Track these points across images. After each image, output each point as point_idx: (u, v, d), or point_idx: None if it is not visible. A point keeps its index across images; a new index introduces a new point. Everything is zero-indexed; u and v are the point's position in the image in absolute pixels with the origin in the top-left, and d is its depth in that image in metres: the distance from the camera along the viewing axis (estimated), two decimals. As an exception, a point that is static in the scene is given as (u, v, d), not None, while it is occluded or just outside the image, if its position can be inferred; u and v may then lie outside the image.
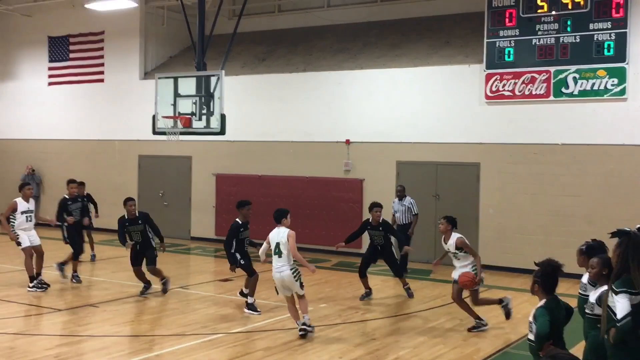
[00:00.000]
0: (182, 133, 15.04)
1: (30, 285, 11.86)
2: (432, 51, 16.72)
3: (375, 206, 11.98)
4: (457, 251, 9.80)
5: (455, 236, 9.84)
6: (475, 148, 15.44)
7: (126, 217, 12.00)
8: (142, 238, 11.88)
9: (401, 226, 14.22)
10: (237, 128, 16.88)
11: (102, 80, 20.66)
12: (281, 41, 19.59)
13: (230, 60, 16.29)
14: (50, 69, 21.64)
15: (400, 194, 14.45)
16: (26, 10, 21.04)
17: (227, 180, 18.45)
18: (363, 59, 17.36)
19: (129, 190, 20.04)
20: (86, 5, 18.69)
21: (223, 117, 14.33)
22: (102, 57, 20.59)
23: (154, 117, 15.14)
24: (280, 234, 9.42)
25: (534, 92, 14.69)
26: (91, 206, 15.08)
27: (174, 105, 14.90)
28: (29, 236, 12.06)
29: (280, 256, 9.26)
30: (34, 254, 12.06)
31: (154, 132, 15.33)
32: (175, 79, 14.97)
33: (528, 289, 5.88)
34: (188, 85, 14.84)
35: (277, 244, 9.34)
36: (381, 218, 12.03)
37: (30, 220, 12.19)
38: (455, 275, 9.89)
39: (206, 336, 9.33)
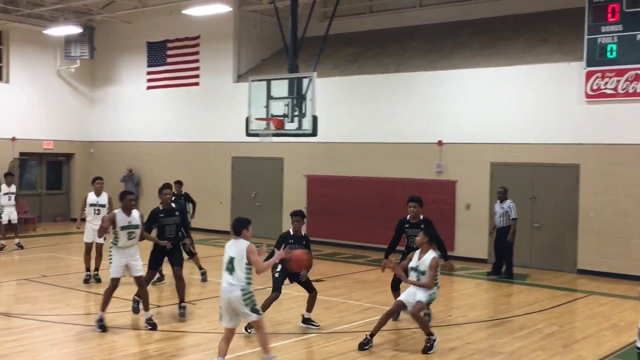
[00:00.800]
0: (274, 135, 15.22)
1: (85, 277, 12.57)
2: (527, 49, 16.24)
3: (410, 200, 10.32)
4: (425, 270, 8.78)
5: (431, 255, 8.89)
6: (575, 149, 14.88)
7: (160, 208, 10.40)
8: (175, 234, 10.37)
9: (500, 229, 13.93)
10: (329, 129, 16.92)
11: (197, 84, 21.21)
12: (372, 42, 19.53)
13: (322, 62, 16.35)
14: (148, 73, 22.41)
15: (501, 196, 14.13)
16: (127, 17, 21.87)
17: (318, 182, 18.54)
18: (456, 59, 17.06)
19: (221, 191, 20.53)
20: (183, 11, 19.21)
21: (315, 119, 14.40)
22: (197, 61, 21.14)
23: (247, 119, 15.40)
24: (238, 247, 7.47)
25: (638, 90, 14.02)
26: (189, 205, 15.39)
27: (267, 107, 15.10)
28: (93, 230, 12.31)
29: (231, 273, 7.43)
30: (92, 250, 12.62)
31: (247, 134, 15.59)
32: (268, 82, 15.17)
33: (632, 296, 5.58)
34: (280, 88, 15.01)
35: (231, 259, 7.46)
36: (421, 215, 10.35)
37: (98, 214, 12.45)
38: (408, 298, 8.79)
39: (299, 335, 9.38)
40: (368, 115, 17.81)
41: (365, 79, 17.98)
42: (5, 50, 22.17)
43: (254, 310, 7.42)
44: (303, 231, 10.05)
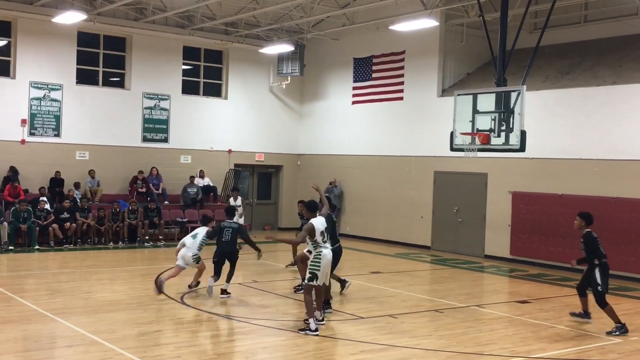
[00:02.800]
0: (480, 150, 14.89)
1: None
2: None
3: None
4: None
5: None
6: None
7: None
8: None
9: None
10: (537, 145, 16.21)
11: (401, 98, 21.39)
12: (587, 53, 18.47)
13: (531, 75, 15.75)
14: (354, 88, 23.00)
15: None
16: (335, 34, 22.65)
17: (525, 199, 17.82)
18: (684, 69, 15.62)
19: (423, 205, 20.46)
20: (390, 27, 19.49)
21: (523, 134, 13.88)
22: (402, 75, 21.32)
23: (451, 133, 15.20)
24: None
25: None
26: None
27: (472, 121, 14.81)
28: None
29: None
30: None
31: (452, 149, 15.38)
32: (474, 96, 14.88)
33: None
34: (486, 102, 14.66)
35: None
36: (584, 230, 10.81)
37: None
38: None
39: (505, 358, 9.03)
40: (581, 130, 16.84)
41: (579, 91, 17.03)
42: (224, 69, 23.92)
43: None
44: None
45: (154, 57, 22.18)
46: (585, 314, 11.14)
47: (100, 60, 21.69)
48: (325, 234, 9.98)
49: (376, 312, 11.49)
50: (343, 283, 12.93)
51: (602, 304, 10.59)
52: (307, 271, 9.93)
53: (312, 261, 9.92)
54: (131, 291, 12.79)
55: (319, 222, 9.98)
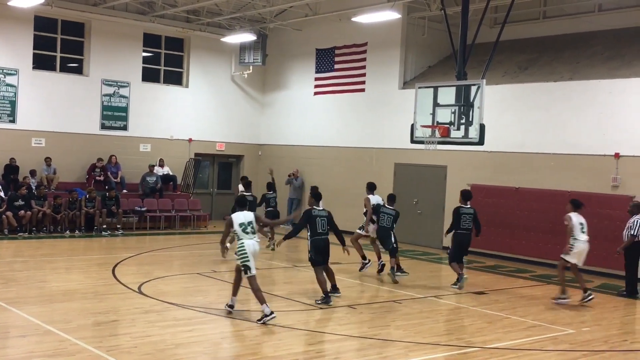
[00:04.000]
0: (439, 142, 15.05)
1: None
2: None
3: None
4: None
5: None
6: None
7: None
8: None
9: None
10: (495, 138, 16.44)
11: (363, 90, 21.46)
12: (545, 49, 18.76)
13: (491, 69, 15.94)
14: (316, 79, 22.99)
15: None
16: (297, 25, 22.58)
17: (482, 191, 18.06)
18: (639, 66, 15.97)
19: (383, 196, 20.51)
20: (352, 19, 19.52)
21: (482, 127, 14.09)
22: (364, 67, 21.39)
23: (412, 126, 15.34)
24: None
25: None
26: None
27: (433, 114, 14.98)
28: None
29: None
30: None
31: (412, 141, 15.53)
32: (435, 89, 15.03)
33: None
34: (447, 95, 14.82)
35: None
36: None
37: None
38: None
39: (461, 348, 9.17)
40: (538, 124, 17.12)
41: (537, 86, 17.30)
42: (186, 57, 23.68)
43: None
44: None
45: (113, 44, 21.83)
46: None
47: (58, 46, 21.25)
48: (248, 226, 10.06)
49: (335, 302, 11.54)
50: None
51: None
52: (240, 264, 9.99)
53: (237, 254, 9.98)
54: (87, 280, 12.62)
55: (238, 216, 10.15)
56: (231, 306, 10.33)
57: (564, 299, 12.24)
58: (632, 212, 13.41)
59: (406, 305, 11.67)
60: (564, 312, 11.72)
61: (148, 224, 20.68)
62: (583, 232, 12.24)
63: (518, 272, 15.94)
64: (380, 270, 14.32)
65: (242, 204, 10.52)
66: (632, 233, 13.19)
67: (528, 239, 17.18)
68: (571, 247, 12.21)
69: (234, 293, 10.34)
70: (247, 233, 10.04)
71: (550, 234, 16.57)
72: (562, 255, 12.39)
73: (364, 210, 14.84)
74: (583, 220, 12.30)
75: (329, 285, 11.53)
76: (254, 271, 9.95)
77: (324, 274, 11.50)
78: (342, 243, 11.83)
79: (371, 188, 14.82)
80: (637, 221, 13.14)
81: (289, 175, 22.98)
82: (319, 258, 11.39)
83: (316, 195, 11.67)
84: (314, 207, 11.54)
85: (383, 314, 11.05)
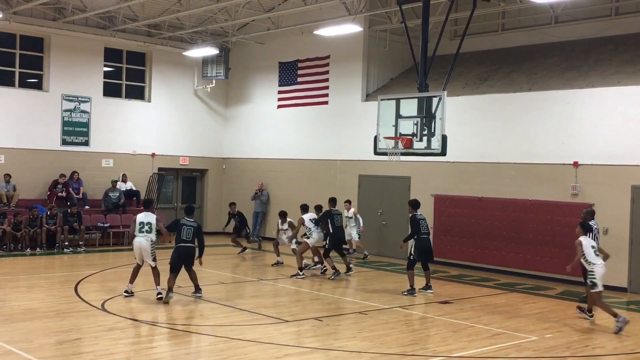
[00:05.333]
0: (403, 154, 15.12)
1: None
2: (675, 66, 15.29)
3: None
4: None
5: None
6: None
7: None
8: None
9: None
10: (458, 149, 16.66)
11: (326, 103, 21.55)
12: (504, 60, 19.10)
13: (452, 80, 16.14)
14: (280, 92, 23.02)
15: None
16: (260, 38, 22.63)
17: (446, 202, 18.26)
18: (595, 77, 16.35)
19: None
20: (314, 32, 19.63)
21: (444, 138, 14.20)
22: (327, 80, 21.50)
23: (375, 137, 15.40)
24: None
25: None
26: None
27: (395, 126, 15.04)
28: None
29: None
30: None
31: (375, 153, 15.59)
32: (397, 101, 15.12)
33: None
34: (409, 107, 14.92)
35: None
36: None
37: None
38: None
39: (426, 358, 9.22)
40: (499, 134, 17.39)
41: (497, 97, 17.59)
42: (148, 71, 23.53)
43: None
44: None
45: (73, 58, 21.59)
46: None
47: (17, 61, 20.95)
48: (146, 226, 12.37)
49: (300, 315, 11.54)
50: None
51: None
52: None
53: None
54: (49, 299, 12.40)
55: (139, 216, 12.54)
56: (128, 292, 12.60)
57: (619, 321, 11.01)
58: (585, 219, 13.46)
59: (372, 317, 11.71)
60: (528, 319, 11.88)
61: (111, 240, 20.42)
62: (597, 255, 11.34)
63: (482, 280, 16.12)
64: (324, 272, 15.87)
65: (147, 204, 13.42)
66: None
67: (491, 247, 17.39)
68: (592, 275, 11.20)
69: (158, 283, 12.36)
70: (141, 231, 12.37)
71: (513, 242, 16.82)
72: (591, 291, 11.35)
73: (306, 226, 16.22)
74: (594, 243, 11.52)
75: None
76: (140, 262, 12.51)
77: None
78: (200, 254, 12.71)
79: (306, 209, 16.71)
80: (595, 227, 13.23)
81: (256, 192, 22.90)
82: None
83: (188, 209, 13.02)
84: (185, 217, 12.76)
85: (349, 325, 11.07)
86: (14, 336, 9.50)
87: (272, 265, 17.45)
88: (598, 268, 11.21)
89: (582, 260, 11.32)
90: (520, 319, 11.92)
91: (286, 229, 17.39)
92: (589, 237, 11.76)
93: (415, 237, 13.83)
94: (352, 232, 18.74)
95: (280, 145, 22.94)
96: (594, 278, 11.16)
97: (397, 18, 18.93)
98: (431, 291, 14.06)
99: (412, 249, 13.89)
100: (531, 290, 14.76)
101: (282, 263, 17.43)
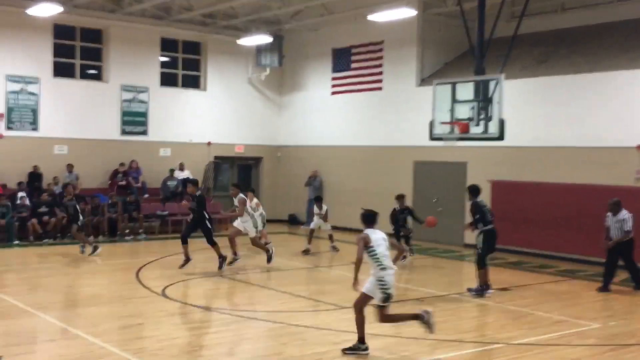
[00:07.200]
0: (459, 139, 15.02)
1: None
2: None
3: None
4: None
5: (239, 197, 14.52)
6: None
7: None
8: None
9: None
10: (516, 133, 16.33)
11: (380, 89, 21.43)
12: (563, 41, 18.63)
13: (509, 63, 15.86)
14: (333, 79, 23.00)
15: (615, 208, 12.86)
16: (313, 25, 22.61)
17: (503, 187, 17.96)
18: (659, 56, 15.81)
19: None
20: (368, 17, 19.49)
21: (502, 122, 14.02)
22: (381, 65, 21.37)
23: (430, 123, 15.31)
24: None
25: None
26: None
27: (451, 111, 14.94)
28: None
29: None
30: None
31: (431, 138, 15.51)
32: (453, 85, 14.99)
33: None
34: (465, 91, 14.78)
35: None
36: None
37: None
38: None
39: (486, 345, 9.13)
40: (558, 118, 16.99)
41: (556, 80, 17.17)
42: (203, 61, 23.79)
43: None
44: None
45: (131, 49, 21.99)
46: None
47: (77, 53, 21.47)
48: None
49: (358, 301, 11.53)
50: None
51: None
52: None
53: None
54: (112, 285, 12.74)
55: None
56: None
57: None
58: (612, 210, 12.99)
59: (429, 303, 11.62)
60: (590, 307, 11.63)
61: (170, 227, 20.81)
62: None
63: (541, 267, 15.84)
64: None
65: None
66: (626, 229, 12.86)
67: (551, 234, 17.05)
68: None
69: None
70: None
71: (573, 228, 16.45)
72: None
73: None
74: None
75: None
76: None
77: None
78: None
79: (242, 189, 15.71)
80: (627, 215, 12.81)
81: (310, 177, 23.00)
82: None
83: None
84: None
85: (406, 312, 11.01)
86: (80, 321, 9.80)
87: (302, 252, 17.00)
88: None
89: None
90: (582, 306, 11.68)
91: (323, 214, 17.50)
92: None
93: (482, 226, 12.28)
94: (257, 221, 16.28)
95: (334, 132, 22.93)
96: None
97: (453, 1, 18.66)
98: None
99: (480, 242, 12.26)
100: (593, 277, 14.42)
101: (310, 251, 17.06)
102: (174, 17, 21.81)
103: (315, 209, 17.75)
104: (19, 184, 19.38)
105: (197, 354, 8.37)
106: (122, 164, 21.06)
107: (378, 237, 8.39)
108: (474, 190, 12.58)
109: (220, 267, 14.00)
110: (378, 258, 8.30)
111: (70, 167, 20.42)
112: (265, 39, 22.62)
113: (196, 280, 13.34)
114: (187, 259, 14.05)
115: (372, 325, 9.93)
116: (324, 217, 17.63)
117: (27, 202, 18.66)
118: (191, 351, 8.48)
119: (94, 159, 21.20)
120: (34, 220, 18.22)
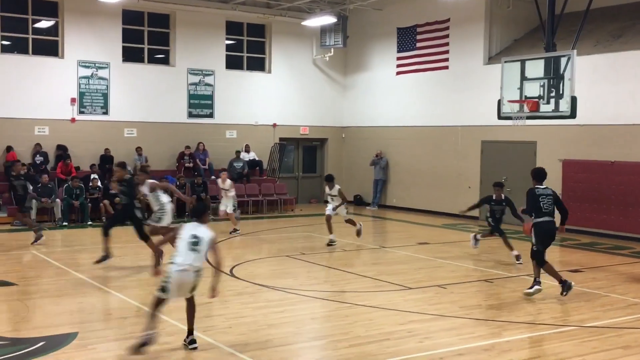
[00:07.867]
0: (528, 117, 14.68)
1: None
2: None
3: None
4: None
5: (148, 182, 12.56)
6: None
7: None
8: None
9: None
10: (588, 111, 15.82)
11: (446, 67, 21.07)
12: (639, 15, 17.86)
13: (581, 39, 15.31)
14: (398, 58, 22.74)
15: None
16: (378, 4, 22.37)
17: (575, 167, 17.44)
18: None
19: (471, 175, 20.21)
20: (433, -5, 19.18)
21: (574, 100, 13.63)
22: (447, 44, 20.98)
23: (499, 101, 14.99)
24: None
25: None
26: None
27: (520, 88, 14.64)
28: None
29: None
30: None
31: (499, 117, 15.20)
32: (522, 62, 14.65)
33: None
34: (535, 68, 14.43)
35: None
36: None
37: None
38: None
39: (558, 327, 8.91)
40: (633, 94, 16.34)
41: (632, 55, 16.50)
42: (267, 43, 23.88)
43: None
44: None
45: (197, 33, 22.26)
46: None
47: (145, 38, 21.87)
48: None
49: (424, 282, 11.44)
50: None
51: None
52: None
53: None
54: (181, 264, 12.95)
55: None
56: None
57: None
58: None
59: (498, 284, 11.45)
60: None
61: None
62: None
63: (615, 249, 15.35)
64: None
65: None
66: None
67: (626, 214, 16.49)
68: None
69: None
70: None
71: (650, 208, 15.86)
72: None
73: None
74: None
75: None
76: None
77: None
78: None
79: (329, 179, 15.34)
80: None
81: (375, 156, 22.91)
82: None
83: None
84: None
85: (474, 293, 10.87)
86: (150, 299, 10.00)
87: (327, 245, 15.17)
88: None
89: None
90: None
91: (335, 195, 15.11)
92: None
93: (535, 217, 10.58)
94: (228, 204, 16.85)
95: (399, 113, 22.71)
96: None
97: (521, -24, 18.13)
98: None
99: (532, 236, 10.66)
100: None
101: (335, 242, 15.09)
102: (239, 0, 21.92)
103: (327, 189, 15.34)
104: (92, 166, 19.98)
105: (264, 332, 8.45)
106: (187, 147, 21.42)
107: None
108: (536, 175, 10.83)
109: (157, 264, 11.55)
110: None
111: (139, 150, 20.88)
112: (329, 19, 22.52)
113: (263, 260, 13.47)
114: (106, 255, 12.37)
115: (439, 306, 9.85)
116: (342, 198, 15.08)
117: (99, 183, 19.19)
118: (258, 329, 8.56)
119: (161, 142, 21.62)
120: (106, 202, 18.73)
